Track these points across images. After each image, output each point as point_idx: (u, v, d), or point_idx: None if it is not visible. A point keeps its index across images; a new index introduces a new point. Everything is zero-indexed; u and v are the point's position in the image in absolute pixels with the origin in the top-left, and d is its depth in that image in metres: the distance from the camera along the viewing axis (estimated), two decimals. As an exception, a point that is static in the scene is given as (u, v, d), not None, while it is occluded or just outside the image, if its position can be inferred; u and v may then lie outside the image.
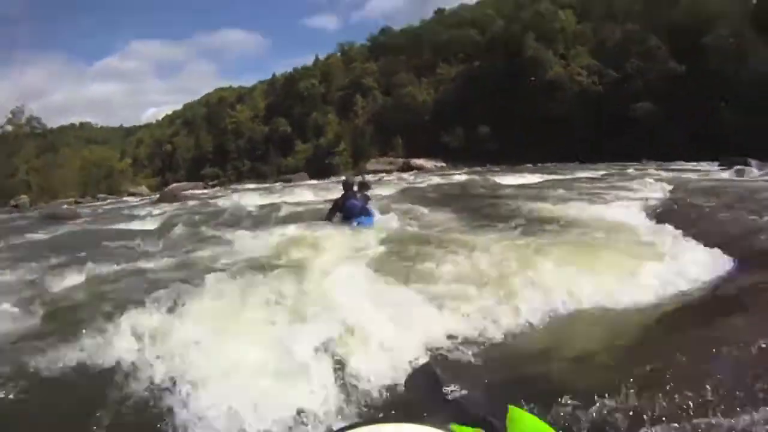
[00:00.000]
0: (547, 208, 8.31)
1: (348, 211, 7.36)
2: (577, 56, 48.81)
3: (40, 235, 10.14)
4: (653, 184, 11.94)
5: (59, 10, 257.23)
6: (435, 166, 44.49)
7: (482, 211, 8.70)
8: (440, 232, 6.63)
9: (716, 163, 21.12)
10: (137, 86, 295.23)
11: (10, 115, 56.00)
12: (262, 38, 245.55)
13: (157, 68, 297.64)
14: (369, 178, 20.14)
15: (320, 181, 32.87)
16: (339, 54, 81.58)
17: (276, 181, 45.61)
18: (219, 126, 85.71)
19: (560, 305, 3.83)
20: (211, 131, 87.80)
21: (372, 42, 79.20)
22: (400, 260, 4.94)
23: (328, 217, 7.61)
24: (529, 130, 45.51)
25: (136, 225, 10.91)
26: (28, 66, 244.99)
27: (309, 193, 16.95)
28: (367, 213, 7.37)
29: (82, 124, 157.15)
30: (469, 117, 50.73)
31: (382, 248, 5.49)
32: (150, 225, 10.57)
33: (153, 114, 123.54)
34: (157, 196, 38.57)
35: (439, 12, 75.82)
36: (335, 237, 6.17)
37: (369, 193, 8.19)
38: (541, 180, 16.70)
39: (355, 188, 7.78)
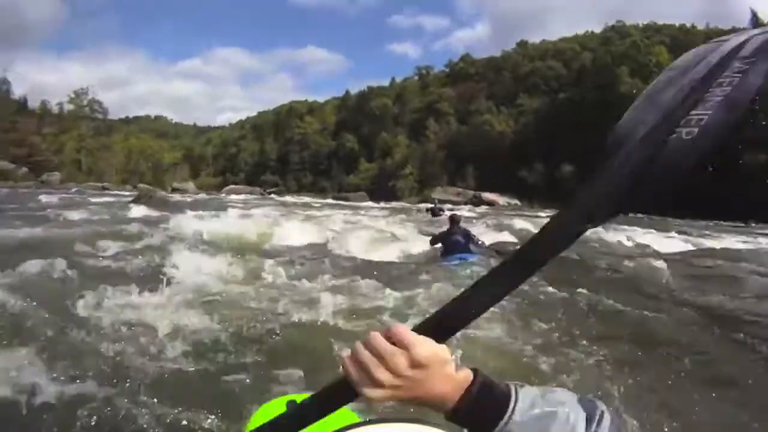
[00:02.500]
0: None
1: (452, 246, 7.27)
2: None
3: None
4: None
5: (149, 8, 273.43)
6: (508, 203, 40.27)
7: (608, 303, 4.70)
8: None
9: None
10: (216, 90, 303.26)
11: (72, 95, 57.37)
12: (344, 59, 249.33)
13: (239, 75, 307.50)
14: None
15: (380, 205, 30.75)
16: (416, 77, 79.57)
17: (333, 198, 44.00)
18: (285, 135, 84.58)
19: None
20: (278, 140, 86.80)
21: (450, 68, 77.02)
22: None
23: (432, 243, 7.77)
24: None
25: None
26: (114, 57, 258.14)
27: (371, 225, 11.91)
28: (469, 251, 7.21)
29: (157, 117, 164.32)
30: (552, 153, 46.53)
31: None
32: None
33: (228, 118, 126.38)
34: (200, 195, 36.83)
35: (522, 44, 73.04)
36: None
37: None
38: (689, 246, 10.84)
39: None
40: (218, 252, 6.06)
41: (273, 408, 1.29)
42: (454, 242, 7.27)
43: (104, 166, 54.70)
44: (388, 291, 4.69)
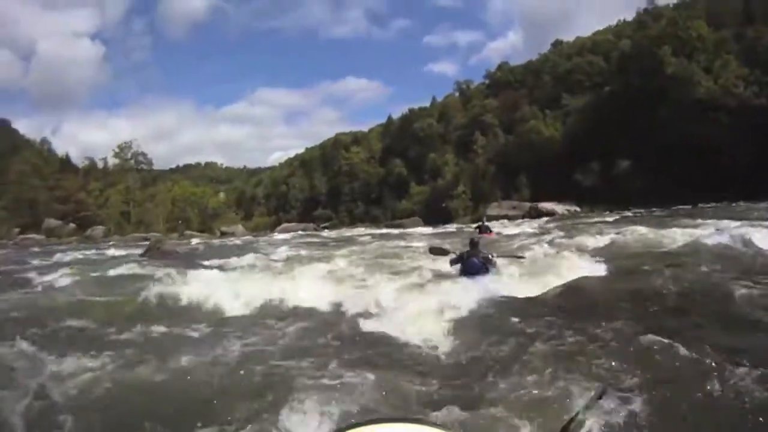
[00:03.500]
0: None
1: (469, 267, 7.70)
2: (726, 66, 41.35)
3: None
4: None
5: (187, 57, 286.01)
6: (567, 210, 38.85)
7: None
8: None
9: None
10: (264, 131, 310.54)
11: (117, 149, 60.56)
12: (383, 86, 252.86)
13: (283, 114, 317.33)
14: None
15: (436, 230, 29.56)
16: (456, 94, 79.15)
17: (387, 226, 43.57)
18: (333, 168, 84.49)
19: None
20: (326, 173, 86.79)
21: (490, 78, 76.40)
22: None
23: (451, 264, 8.13)
24: (679, 161, 38.47)
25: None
26: (160, 109, 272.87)
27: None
28: (486, 272, 7.61)
29: (207, 164, 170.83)
30: (605, 150, 44.38)
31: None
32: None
33: (278, 157, 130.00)
34: (247, 236, 37.57)
35: (557, 43, 72.00)
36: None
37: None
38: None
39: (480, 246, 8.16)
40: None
41: None
42: (470, 264, 7.70)
43: (150, 216, 56.01)
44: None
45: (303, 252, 15.60)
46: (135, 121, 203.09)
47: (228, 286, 7.34)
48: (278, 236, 35.56)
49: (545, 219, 32.77)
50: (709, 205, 27.31)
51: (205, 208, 61.82)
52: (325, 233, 39.09)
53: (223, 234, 45.63)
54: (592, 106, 51.41)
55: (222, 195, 69.81)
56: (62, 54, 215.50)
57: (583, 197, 41.73)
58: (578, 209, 39.13)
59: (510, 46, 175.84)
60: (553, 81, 62.29)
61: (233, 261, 12.49)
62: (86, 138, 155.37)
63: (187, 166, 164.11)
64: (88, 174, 61.03)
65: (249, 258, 12.99)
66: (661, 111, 41.13)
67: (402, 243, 17.01)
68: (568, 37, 71.68)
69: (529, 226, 23.09)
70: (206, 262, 12.11)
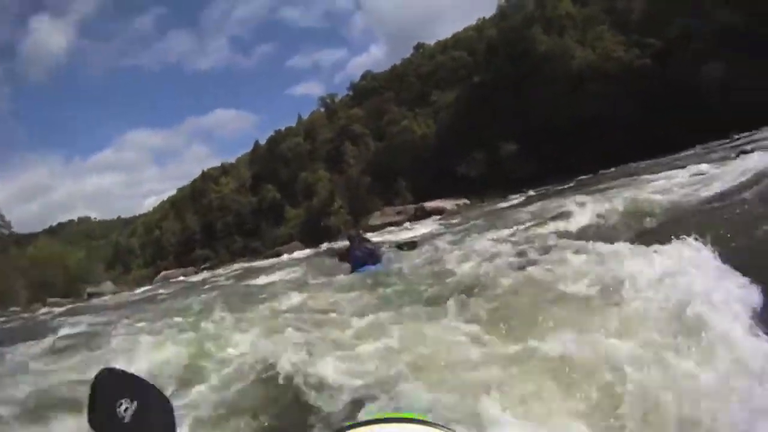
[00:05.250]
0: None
1: (353, 260, 7.73)
2: (600, 36, 39.76)
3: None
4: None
5: (50, 106, 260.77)
6: (456, 205, 34.60)
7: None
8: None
9: None
10: (134, 176, 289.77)
11: None
12: (252, 115, 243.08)
13: (153, 156, 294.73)
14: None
15: (312, 251, 28.10)
16: (322, 109, 74.62)
17: (265, 257, 40.28)
18: (203, 203, 78.26)
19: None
20: (198, 211, 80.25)
21: (354, 89, 72.26)
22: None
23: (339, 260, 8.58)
24: (565, 137, 35.90)
25: None
26: (25, 167, 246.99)
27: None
28: (375, 260, 7.58)
29: (80, 219, 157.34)
30: (486, 138, 41.45)
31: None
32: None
33: (152, 202, 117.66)
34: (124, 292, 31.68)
35: (419, 47, 69.59)
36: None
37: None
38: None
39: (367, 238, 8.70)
40: None
41: None
42: (355, 257, 7.79)
43: (5, 286, 45.73)
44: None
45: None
46: (3, 181, 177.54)
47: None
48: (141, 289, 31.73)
49: (434, 219, 29.09)
50: (609, 171, 25.46)
51: (66, 269, 50.70)
52: (194, 278, 34.68)
53: (91, 295, 40.16)
54: (462, 98, 48.44)
55: (80, 253, 59.72)
56: None
57: (471, 189, 38.22)
58: (467, 202, 35.05)
59: (373, 61, 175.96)
60: (419, 81, 59.59)
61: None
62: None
63: (62, 225, 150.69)
64: None
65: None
66: (540, 90, 38.43)
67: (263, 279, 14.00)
68: (430, 41, 69.42)
69: (421, 227, 18.78)
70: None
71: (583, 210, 8.52)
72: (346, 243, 22.04)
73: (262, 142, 79.41)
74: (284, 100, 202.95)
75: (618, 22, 40.11)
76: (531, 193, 27.51)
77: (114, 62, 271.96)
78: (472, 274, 5.31)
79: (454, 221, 19.43)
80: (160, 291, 25.09)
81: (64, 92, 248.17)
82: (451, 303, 4.06)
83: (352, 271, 7.66)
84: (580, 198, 10.34)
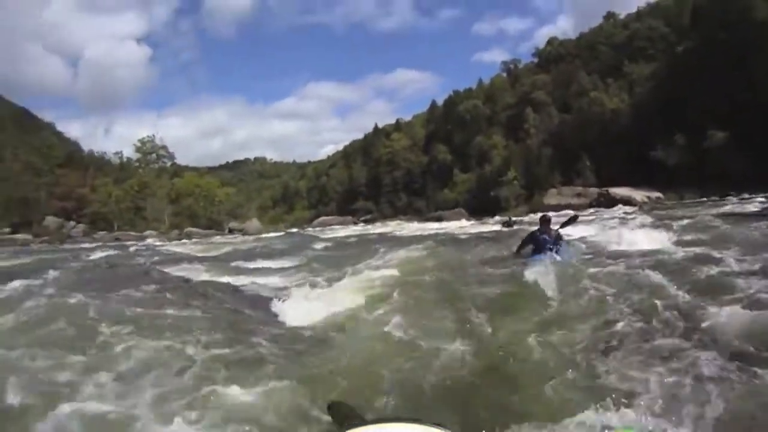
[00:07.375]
0: None
1: (541, 244, 7.35)
2: None
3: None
4: None
5: (235, 54, 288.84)
6: (647, 197, 31.33)
7: None
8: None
9: None
10: (315, 125, 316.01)
11: (138, 144, 56.69)
12: (434, 77, 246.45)
13: (335, 108, 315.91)
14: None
15: (477, 222, 26.63)
16: (504, 74, 72.02)
17: (426, 219, 40.55)
18: (373, 157, 79.34)
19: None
20: (367, 163, 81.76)
21: (539, 55, 68.59)
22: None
23: (518, 250, 7.87)
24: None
25: None
26: (209, 107, 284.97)
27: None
28: (558, 248, 7.26)
29: (256, 159, 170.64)
30: (691, 119, 35.21)
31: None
32: None
33: (329, 151, 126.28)
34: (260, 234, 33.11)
35: (609, 16, 63.53)
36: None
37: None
38: None
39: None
40: None
41: None
42: (542, 241, 7.33)
43: (154, 212, 52.13)
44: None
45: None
46: (185, 120, 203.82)
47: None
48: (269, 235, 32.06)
49: (622, 209, 25.45)
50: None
51: (213, 202, 56.40)
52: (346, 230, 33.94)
53: (231, 231, 42.15)
54: (665, 70, 42.75)
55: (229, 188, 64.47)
56: (109, 57, 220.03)
57: (667, 180, 33.66)
58: (661, 196, 31.53)
59: (560, 33, 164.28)
60: (612, 50, 54.46)
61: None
62: (137, 137, 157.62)
63: (237, 162, 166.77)
64: (99, 169, 57.00)
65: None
66: (758, 68, 32.12)
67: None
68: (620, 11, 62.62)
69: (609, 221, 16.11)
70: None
71: None
72: (519, 219, 21.62)
73: (439, 100, 78.57)
74: (468, 66, 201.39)
75: None
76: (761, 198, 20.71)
77: (299, 19, 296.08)
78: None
79: (664, 219, 13.09)
80: (300, 237, 25.79)
81: (249, 44, 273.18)
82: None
83: (534, 252, 7.29)
84: None
